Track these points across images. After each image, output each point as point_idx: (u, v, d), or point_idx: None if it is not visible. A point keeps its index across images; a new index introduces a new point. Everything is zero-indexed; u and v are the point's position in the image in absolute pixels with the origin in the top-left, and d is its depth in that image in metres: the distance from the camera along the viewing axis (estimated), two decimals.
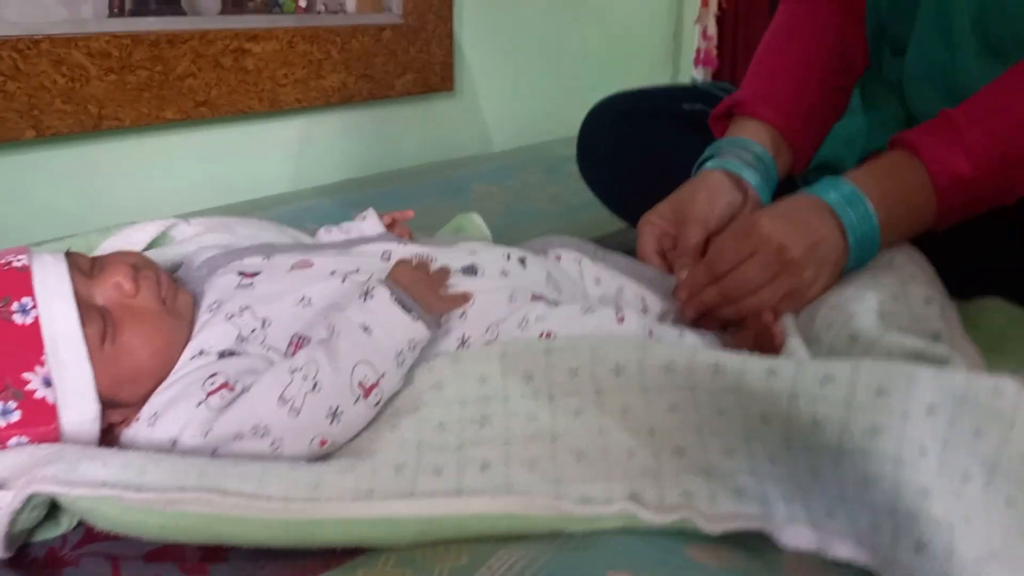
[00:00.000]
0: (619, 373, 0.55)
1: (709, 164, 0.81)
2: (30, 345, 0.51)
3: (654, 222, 0.79)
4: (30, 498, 0.46)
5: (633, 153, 0.95)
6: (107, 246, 0.68)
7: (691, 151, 0.87)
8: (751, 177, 0.79)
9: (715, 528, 0.50)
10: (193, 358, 0.56)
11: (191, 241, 0.69)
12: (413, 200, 1.19)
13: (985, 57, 0.77)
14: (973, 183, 0.65)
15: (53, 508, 0.50)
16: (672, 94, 1.03)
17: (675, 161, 0.90)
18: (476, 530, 0.50)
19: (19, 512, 0.46)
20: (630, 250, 0.82)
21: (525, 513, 0.50)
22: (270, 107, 1.19)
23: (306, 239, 0.75)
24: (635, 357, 0.55)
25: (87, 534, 0.51)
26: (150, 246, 0.69)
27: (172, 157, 1.13)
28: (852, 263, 0.68)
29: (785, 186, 0.83)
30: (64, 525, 0.51)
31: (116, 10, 1.15)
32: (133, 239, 0.69)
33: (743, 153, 0.80)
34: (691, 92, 1.05)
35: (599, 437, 0.54)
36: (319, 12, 1.30)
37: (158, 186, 1.12)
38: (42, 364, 0.51)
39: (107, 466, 0.47)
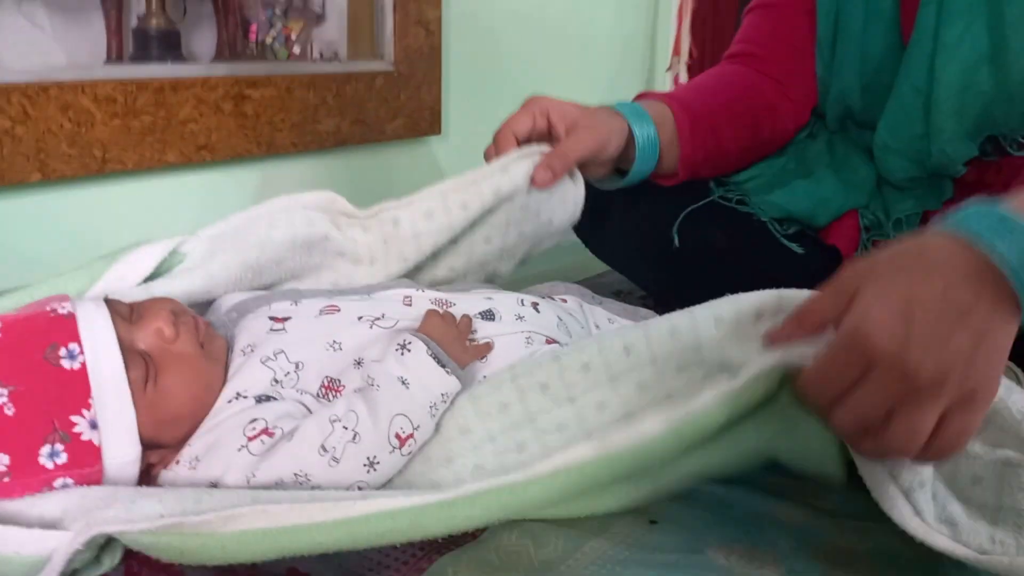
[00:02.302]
0: (628, 352, 0.58)
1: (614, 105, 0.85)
2: (78, 389, 0.52)
3: (551, 105, 0.81)
4: (90, 539, 0.48)
5: (615, 201, 0.99)
6: (115, 274, 0.66)
7: (672, 198, 0.92)
8: (640, 135, 0.83)
9: None
10: (230, 401, 0.58)
11: (202, 269, 0.69)
12: None
13: (961, 138, 0.82)
14: None
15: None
16: None
17: (656, 206, 0.95)
18: None
19: (77, 554, 0.48)
20: (617, 292, 0.85)
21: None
22: (267, 151, 1.22)
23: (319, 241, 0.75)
24: (641, 334, 0.58)
25: (127, 573, 0.53)
26: (160, 269, 0.69)
27: (174, 198, 1.15)
28: None
29: None
30: (106, 565, 0.52)
31: (115, 55, 1.18)
32: (141, 265, 0.68)
33: (642, 115, 0.85)
34: None
35: (626, 424, 0.57)
36: (315, 60, 1.33)
37: (160, 227, 1.12)
38: (89, 408, 0.53)
39: (163, 502, 0.49)
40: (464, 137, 1.61)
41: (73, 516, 0.50)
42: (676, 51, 2.05)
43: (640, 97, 0.92)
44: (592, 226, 1.02)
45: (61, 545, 0.47)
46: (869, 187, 0.92)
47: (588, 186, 0.99)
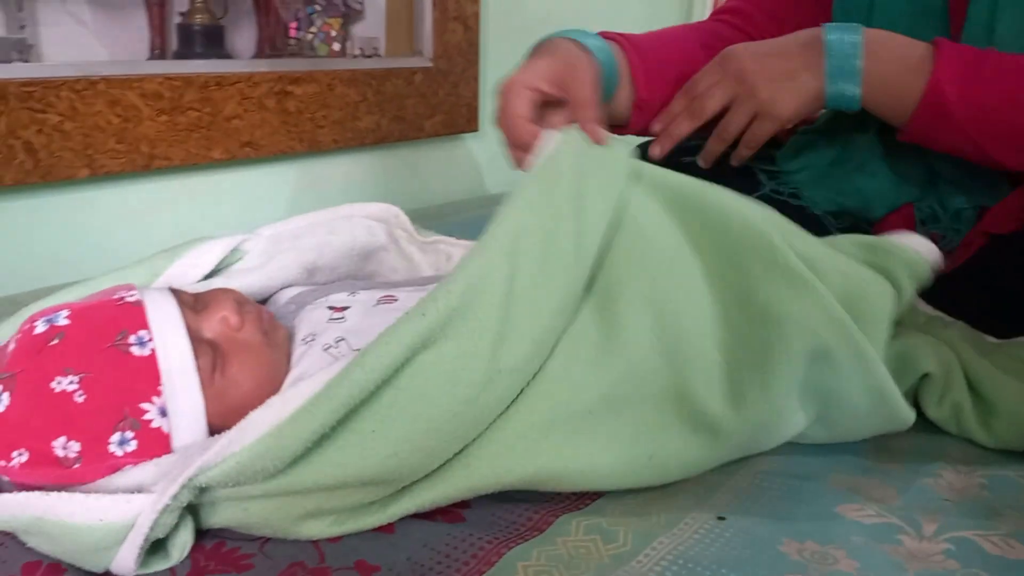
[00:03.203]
0: None
1: (559, 34, 0.79)
2: (147, 376, 0.52)
3: (531, 76, 0.72)
4: (177, 494, 0.48)
5: None
6: (176, 270, 0.67)
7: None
8: (601, 58, 0.78)
9: None
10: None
11: (261, 271, 0.70)
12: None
13: None
14: (950, 113, 0.73)
15: (157, 543, 0.51)
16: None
17: None
18: None
19: (165, 511, 0.48)
20: None
21: None
22: (309, 148, 1.22)
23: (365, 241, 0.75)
24: None
25: (195, 567, 0.52)
26: (220, 266, 0.70)
27: (218, 195, 1.15)
28: (829, 84, 0.75)
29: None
30: (174, 557, 0.51)
31: (157, 51, 1.18)
32: (202, 261, 0.69)
33: (596, 42, 0.80)
34: None
35: None
36: (354, 56, 1.33)
37: (205, 223, 1.14)
38: (159, 395, 0.52)
39: (241, 431, 0.50)
40: (500, 134, 1.61)
41: (152, 482, 0.50)
42: None
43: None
44: None
45: (147, 505, 0.47)
46: (922, 180, 0.90)
47: None
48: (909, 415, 0.66)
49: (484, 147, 1.57)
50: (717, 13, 1.04)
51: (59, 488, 0.50)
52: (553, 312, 0.57)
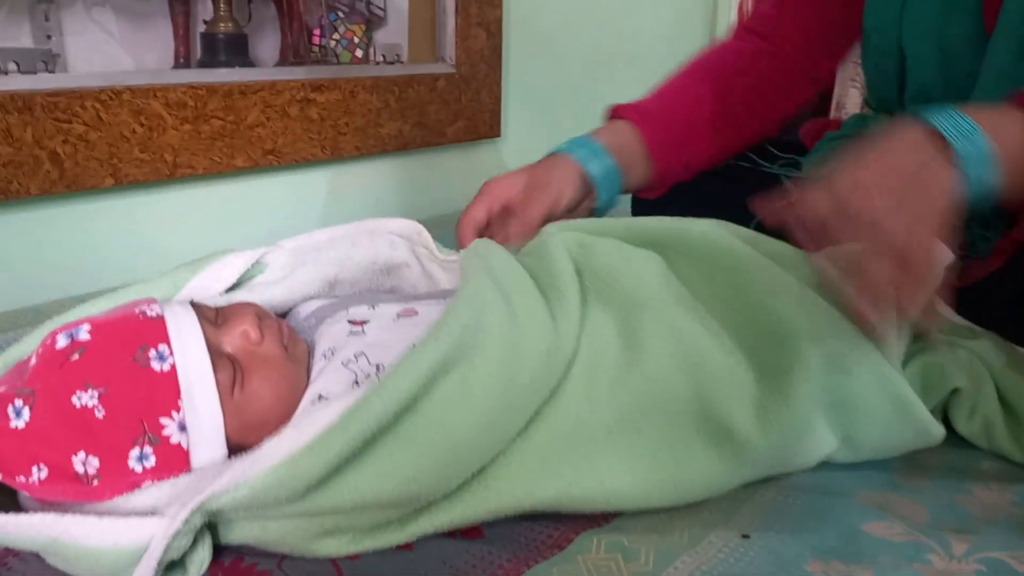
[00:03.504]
0: None
1: (564, 148, 0.87)
2: (167, 391, 0.52)
3: (501, 187, 0.84)
4: (188, 518, 0.47)
5: (684, 204, 0.97)
6: (198, 283, 0.67)
7: (739, 202, 0.90)
8: (596, 170, 0.85)
9: None
10: (313, 403, 0.57)
11: (282, 284, 0.70)
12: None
13: None
14: None
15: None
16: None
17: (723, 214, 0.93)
18: None
19: (177, 536, 0.47)
20: None
21: None
22: (331, 155, 1.22)
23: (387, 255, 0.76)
24: None
25: None
26: (241, 279, 0.70)
27: (241, 203, 1.15)
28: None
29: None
30: (192, 573, 0.51)
31: (182, 60, 1.19)
32: (224, 275, 0.68)
33: (595, 150, 0.87)
34: None
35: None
36: (377, 62, 1.33)
37: (228, 231, 1.14)
38: (178, 409, 0.52)
39: (255, 461, 0.49)
40: (523, 140, 1.60)
41: (167, 503, 0.50)
42: None
43: (611, 114, 0.95)
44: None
45: (159, 530, 0.47)
46: None
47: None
48: (938, 430, 0.64)
49: (507, 152, 1.57)
50: (740, 31, 1.02)
51: (79, 505, 0.51)
52: (550, 328, 0.57)
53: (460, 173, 1.49)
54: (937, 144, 0.59)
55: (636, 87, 1.82)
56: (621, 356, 0.60)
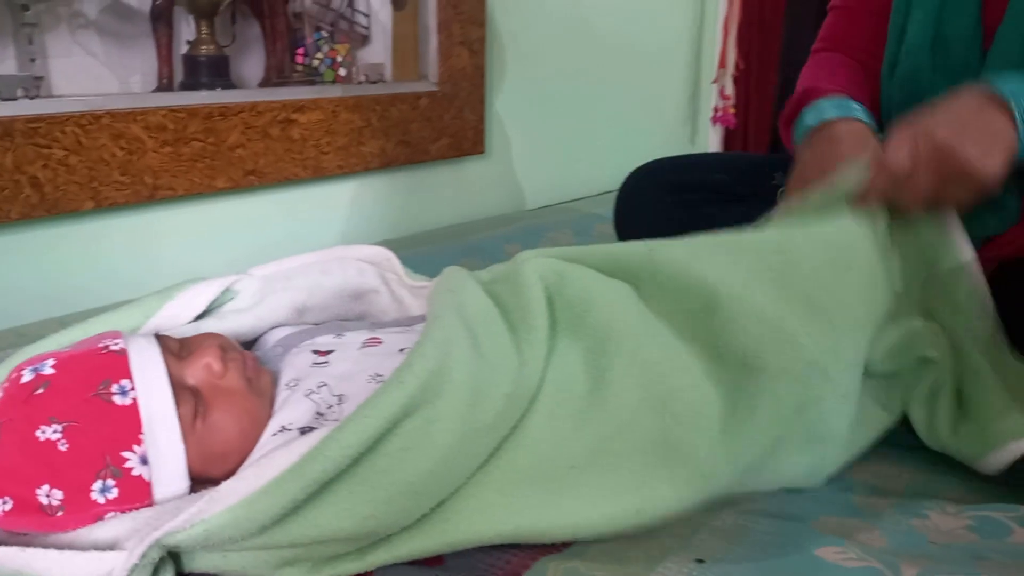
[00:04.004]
0: None
1: (828, 115, 0.85)
2: (129, 425, 0.53)
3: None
4: (145, 553, 0.49)
5: (673, 224, 0.98)
6: (168, 312, 0.68)
7: (729, 223, 0.90)
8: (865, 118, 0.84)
9: None
10: (275, 434, 0.58)
11: (251, 312, 0.71)
12: (448, 259, 1.23)
13: None
14: None
15: None
16: (710, 163, 1.07)
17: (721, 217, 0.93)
18: None
19: (135, 568, 0.49)
20: None
21: None
22: (314, 174, 1.24)
23: (356, 282, 0.77)
24: None
25: None
26: (212, 306, 0.71)
27: (223, 224, 1.17)
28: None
29: None
30: None
31: (165, 80, 1.20)
32: (194, 303, 0.70)
33: (849, 103, 0.85)
34: (726, 160, 1.09)
35: None
36: (360, 82, 1.34)
37: (210, 252, 1.16)
38: (139, 443, 0.53)
39: (212, 501, 0.50)
40: (507, 156, 1.62)
41: (126, 537, 0.51)
42: (722, 64, 2.04)
43: (809, 96, 0.91)
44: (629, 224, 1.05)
45: (118, 564, 0.48)
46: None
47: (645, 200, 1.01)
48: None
49: (490, 169, 1.58)
50: (817, 51, 1.02)
51: (43, 536, 0.52)
52: (515, 368, 0.58)
53: (445, 189, 1.50)
54: (996, 102, 0.71)
55: (620, 101, 1.84)
56: (586, 391, 0.61)
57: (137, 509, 0.54)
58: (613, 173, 1.25)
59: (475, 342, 0.58)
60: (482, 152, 1.51)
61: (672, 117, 2.06)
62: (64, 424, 0.52)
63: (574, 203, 1.69)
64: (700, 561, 0.59)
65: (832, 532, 0.63)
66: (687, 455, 0.60)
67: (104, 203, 1.02)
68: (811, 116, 0.86)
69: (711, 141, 2.14)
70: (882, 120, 0.91)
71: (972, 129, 0.70)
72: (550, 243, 1.39)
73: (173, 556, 0.53)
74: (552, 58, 1.66)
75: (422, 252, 1.29)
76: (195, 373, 0.58)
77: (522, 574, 0.57)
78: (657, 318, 0.67)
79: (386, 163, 1.34)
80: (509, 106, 1.58)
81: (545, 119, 1.67)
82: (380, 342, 0.66)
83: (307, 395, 0.60)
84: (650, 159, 1.10)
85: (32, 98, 0.98)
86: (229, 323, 0.69)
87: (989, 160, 0.70)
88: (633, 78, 1.88)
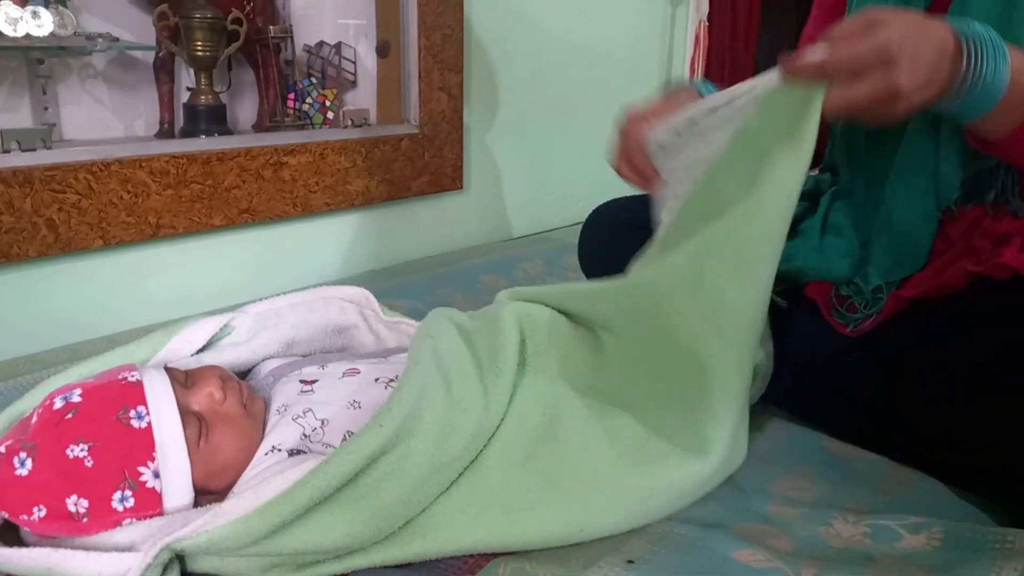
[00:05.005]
0: None
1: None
2: (144, 445, 0.63)
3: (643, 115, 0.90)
4: (157, 554, 0.58)
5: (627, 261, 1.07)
6: (173, 345, 0.79)
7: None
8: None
9: None
10: (267, 454, 0.68)
11: (246, 346, 0.82)
12: (427, 288, 1.33)
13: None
14: None
15: None
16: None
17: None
18: None
19: (148, 568, 0.58)
20: None
21: None
22: (303, 211, 1.34)
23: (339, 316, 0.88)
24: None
25: None
26: (211, 340, 0.82)
27: (220, 258, 1.27)
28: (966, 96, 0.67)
29: None
30: None
31: (166, 125, 1.31)
32: (196, 338, 0.81)
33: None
34: None
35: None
36: (346, 126, 1.45)
37: (208, 284, 1.26)
38: (153, 460, 0.63)
39: (215, 516, 0.60)
40: (483, 191, 1.73)
41: (141, 541, 0.61)
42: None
43: None
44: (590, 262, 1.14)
45: (135, 563, 0.58)
46: (855, 262, 0.94)
47: (601, 239, 1.12)
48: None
49: (469, 203, 1.69)
50: None
51: (70, 539, 0.62)
52: (481, 409, 0.69)
53: (425, 223, 1.61)
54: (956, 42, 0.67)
55: (591, 138, 1.95)
56: (542, 429, 0.72)
57: (151, 517, 0.64)
58: (587, 203, 1.32)
59: (447, 386, 0.69)
60: (460, 187, 1.62)
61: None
62: (90, 444, 0.62)
63: (548, 233, 1.80)
64: (631, 562, 0.68)
65: (747, 537, 0.71)
66: (630, 487, 0.70)
67: (112, 241, 1.12)
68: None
69: None
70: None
71: (922, 57, 0.65)
72: (523, 273, 1.49)
73: (179, 558, 0.63)
74: (526, 98, 1.76)
75: (404, 282, 1.39)
76: (199, 400, 0.68)
77: (476, 573, 0.66)
78: (610, 366, 0.77)
79: (370, 200, 1.44)
80: (485, 144, 1.69)
81: (520, 155, 1.78)
82: (359, 372, 0.76)
83: (294, 419, 0.70)
84: (621, 191, 1.18)
85: (49, 148, 1.08)
86: (227, 355, 0.79)
87: (918, 96, 0.66)
88: (604, 112, 1.98)
